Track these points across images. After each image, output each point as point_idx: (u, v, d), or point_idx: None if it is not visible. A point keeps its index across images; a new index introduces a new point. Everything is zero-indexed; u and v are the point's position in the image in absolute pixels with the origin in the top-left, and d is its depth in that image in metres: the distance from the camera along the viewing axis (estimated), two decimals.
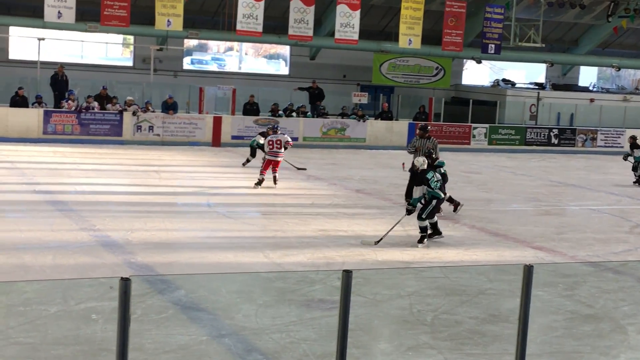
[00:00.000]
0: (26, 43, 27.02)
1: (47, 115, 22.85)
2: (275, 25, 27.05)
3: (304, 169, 19.67)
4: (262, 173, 16.90)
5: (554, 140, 29.38)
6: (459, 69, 33.53)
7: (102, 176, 17.60)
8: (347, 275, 5.17)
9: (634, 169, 20.80)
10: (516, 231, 13.99)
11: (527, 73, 36.86)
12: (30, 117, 22.73)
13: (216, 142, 24.50)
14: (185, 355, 7.36)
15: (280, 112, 25.59)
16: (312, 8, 26.20)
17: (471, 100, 29.50)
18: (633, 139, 21.29)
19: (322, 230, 12.93)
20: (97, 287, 9.17)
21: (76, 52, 29.23)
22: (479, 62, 31.32)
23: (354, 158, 23.77)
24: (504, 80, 34.00)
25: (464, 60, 33.05)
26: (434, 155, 13.83)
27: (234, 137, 24.78)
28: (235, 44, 31.74)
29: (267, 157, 17.13)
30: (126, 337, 4.66)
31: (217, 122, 24.67)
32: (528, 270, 5.64)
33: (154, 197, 15.51)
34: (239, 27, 25.51)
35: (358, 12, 26.80)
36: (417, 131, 15.99)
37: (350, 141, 26.31)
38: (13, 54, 27.29)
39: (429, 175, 12.24)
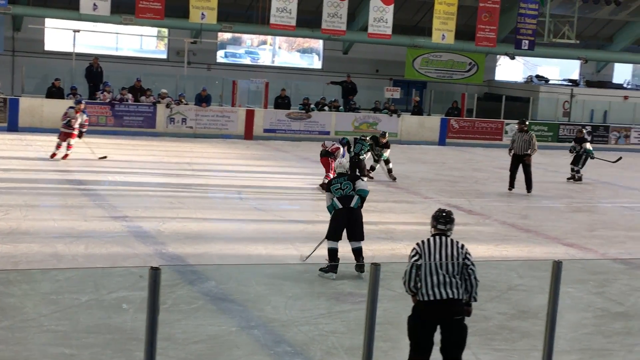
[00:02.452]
0: (62, 35, 27.32)
1: None
2: (308, 19, 27.07)
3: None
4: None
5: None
6: (492, 64, 33.32)
7: (135, 167, 17.77)
8: (376, 268, 5.19)
9: (577, 162, 20.23)
10: (547, 228, 13.91)
11: (560, 69, 36.56)
12: (65, 108, 22.86)
13: (248, 135, 24.60)
14: (215, 346, 7.43)
15: (312, 106, 25.63)
16: (346, 2, 26.18)
17: (504, 96, 29.29)
18: (581, 132, 21.27)
19: None
20: (128, 277, 9.28)
21: (111, 44, 29.49)
22: (512, 58, 31.08)
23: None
24: (537, 76, 33.74)
25: (498, 56, 32.82)
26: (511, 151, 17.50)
27: (266, 130, 24.88)
28: (269, 38, 31.83)
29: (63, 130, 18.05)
30: (155, 326, 4.69)
31: (250, 115, 24.78)
32: (557, 266, 5.64)
33: (186, 189, 15.62)
34: (272, 20, 25.58)
35: (392, 7, 26.73)
36: (518, 124, 18.30)
37: None
38: (49, 46, 27.59)
39: (335, 180, 10.38)
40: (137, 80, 24.35)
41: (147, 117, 23.62)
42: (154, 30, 29.97)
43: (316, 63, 32.19)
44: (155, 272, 4.67)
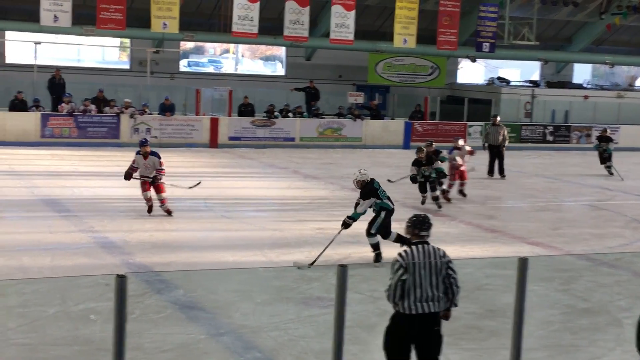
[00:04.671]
0: (23, 47, 27.08)
1: (45, 118, 22.89)
2: (270, 27, 27.10)
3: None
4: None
5: (549, 137, 29.46)
6: (454, 67, 33.58)
7: (100, 178, 17.64)
8: (343, 270, 5.18)
9: (607, 159, 21.54)
10: (512, 227, 14.06)
11: (521, 71, 36.94)
12: (28, 121, 22.77)
13: (213, 143, 24.54)
14: (184, 354, 7.41)
15: (277, 112, 25.65)
16: (307, 9, 26.25)
17: (466, 99, 29.54)
18: (605, 131, 22.28)
19: (319, 229, 12.96)
20: (95, 288, 9.22)
21: (73, 55, 29.28)
22: (473, 60, 31.38)
23: (350, 157, 23.82)
24: (498, 78, 34.06)
25: (459, 59, 33.11)
26: (486, 144, 20.67)
27: (230, 138, 24.84)
28: (232, 46, 31.81)
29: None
30: (123, 334, 4.63)
31: (214, 123, 24.73)
32: (523, 263, 5.64)
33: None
34: (234, 28, 25.58)
35: (353, 13, 26.84)
36: (491, 119, 21.32)
37: (347, 141, 26.36)
38: (10, 59, 27.32)
39: (375, 184, 11.05)
40: (99, 91, 24.21)
41: (110, 128, 23.47)
42: (116, 41, 29.81)
43: (279, 70, 32.23)
44: (121, 279, 4.61)
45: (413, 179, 15.27)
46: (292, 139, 25.56)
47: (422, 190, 15.36)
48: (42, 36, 25.12)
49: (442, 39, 28.33)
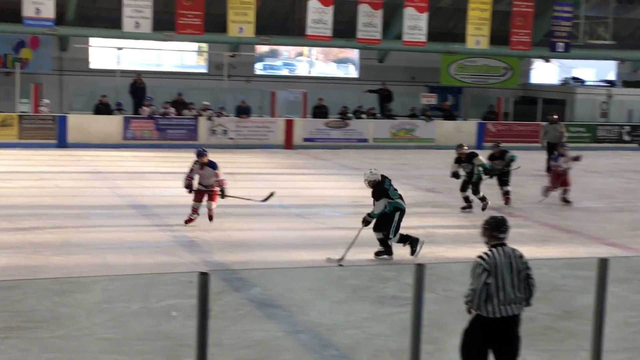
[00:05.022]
0: (106, 53, 27.86)
1: (127, 121, 23.56)
2: (344, 30, 27.22)
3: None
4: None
5: (626, 138, 28.87)
6: (527, 68, 33.16)
7: (179, 179, 17.92)
8: (420, 268, 5.26)
9: None
10: (589, 228, 13.88)
11: (597, 71, 36.22)
12: (111, 124, 23.45)
13: (288, 144, 24.84)
14: (263, 351, 7.57)
15: (350, 114, 25.81)
16: (380, 11, 26.32)
17: (540, 99, 29.17)
18: None
19: None
20: (176, 285, 9.47)
21: (153, 60, 29.95)
22: (547, 61, 30.97)
23: (423, 158, 23.80)
24: (573, 78, 33.50)
25: (532, 59, 32.70)
26: (545, 142, 21.00)
27: (305, 140, 25.09)
28: (305, 49, 32.07)
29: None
30: (205, 330, 4.80)
31: (289, 125, 25.03)
32: (603, 263, 5.60)
33: (229, 199, 15.80)
34: (308, 32, 25.82)
35: (425, 15, 26.80)
36: (549, 117, 21.75)
37: (420, 141, 26.35)
38: (94, 64, 28.14)
39: (386, 184, 11.07)
40: (178, 94, 24.78)
41: (189, 130, 24.01)
42: (194, 46, 30.38)
43: (352, 72, 32.35)
44: (204, 277, 4.78)
45: (455, 175, 15.20)
46: (365, 140, 25.68)
47: (463, 189, 15.09)
48: (124, 42, 25.79)
49: (515, 39, 28.04)
